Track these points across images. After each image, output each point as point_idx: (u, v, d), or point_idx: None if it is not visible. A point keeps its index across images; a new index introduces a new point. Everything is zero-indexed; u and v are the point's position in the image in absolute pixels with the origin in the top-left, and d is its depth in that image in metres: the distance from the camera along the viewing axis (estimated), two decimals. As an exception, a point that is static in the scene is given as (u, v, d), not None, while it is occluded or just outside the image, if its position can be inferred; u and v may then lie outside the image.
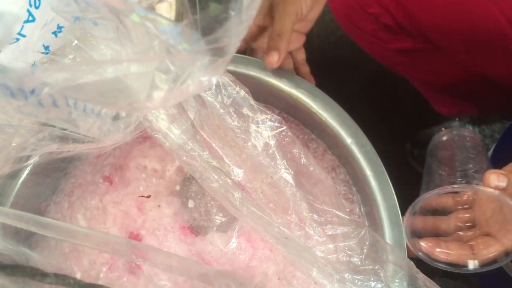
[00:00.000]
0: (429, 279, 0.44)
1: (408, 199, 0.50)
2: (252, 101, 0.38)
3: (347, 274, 0.40)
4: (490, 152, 0.95)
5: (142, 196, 0.52)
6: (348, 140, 0.51)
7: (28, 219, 0.32)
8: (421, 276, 0.45)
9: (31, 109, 0.26)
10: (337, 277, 0.40)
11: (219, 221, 0.47)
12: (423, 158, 1.16)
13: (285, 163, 0.38)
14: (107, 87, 0.28)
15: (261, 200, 0.39)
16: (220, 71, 0.27)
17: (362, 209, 0.53)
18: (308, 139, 0.57)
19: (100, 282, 0.48)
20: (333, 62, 1.34)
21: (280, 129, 0.38)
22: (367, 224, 0.52)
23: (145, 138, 0.55)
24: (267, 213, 0.38)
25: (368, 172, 0.50)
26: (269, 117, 0.38)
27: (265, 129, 0.38)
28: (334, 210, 0.39)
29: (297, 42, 0.72)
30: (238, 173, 0.39)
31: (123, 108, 0.32)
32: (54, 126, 0.34)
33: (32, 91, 0.25)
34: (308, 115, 0.52)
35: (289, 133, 0.38)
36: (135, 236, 0.54)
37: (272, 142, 0.38)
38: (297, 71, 0.71)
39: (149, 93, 0.29)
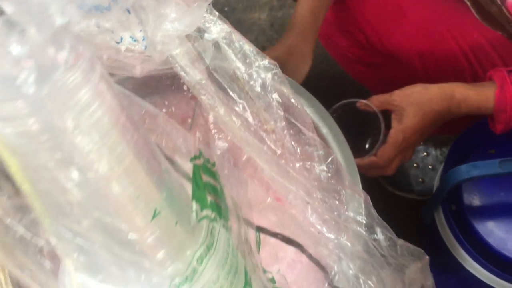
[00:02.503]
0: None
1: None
2: (254, 50, 0.51)
3: (317, 193, 0.52)
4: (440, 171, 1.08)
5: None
6: (324, 130, 0.65)
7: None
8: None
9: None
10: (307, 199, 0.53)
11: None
12: (395, 177, 1.32)
13: (277, 96, 0.51)
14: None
15: (256, 125, 0.51)
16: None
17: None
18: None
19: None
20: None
21: (275, 71, 0.51)
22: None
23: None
24: (259, 135, 0.51)
25: (340, 159, 0.64)
26: (267, 61, 0.51)
27: (264, 70, 0.51)
28: (312, 135, 0.52)
29: None
30: (242, 103, 0.52)
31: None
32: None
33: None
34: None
35: (281, 74, 0.52)
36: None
37: (268, 81, 0.51)
38: None
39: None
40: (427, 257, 0.63)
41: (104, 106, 0.29)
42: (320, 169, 0.52)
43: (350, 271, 0.59)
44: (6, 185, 0.36)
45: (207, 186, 0.37)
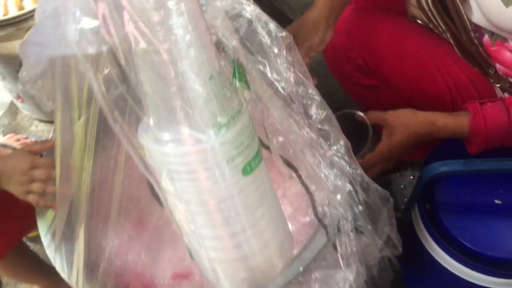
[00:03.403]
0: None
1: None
2: (276, 25, 0.73)
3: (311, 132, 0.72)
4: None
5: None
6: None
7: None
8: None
9: None
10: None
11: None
12: None
13: (290, 58, 0.72)
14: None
15: (272, 77, 0.72)
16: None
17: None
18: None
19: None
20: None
21: (289, 40, 0.73)
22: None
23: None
24: (275, 86, 0.71)
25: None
26: (284, 33, 0.73)
27: (282, 40, 0.72)
28: (312, 90, 0.72)
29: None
30: (264, 62, 0.73)
31: None
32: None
33: None
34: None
35: (293, 42, 0.73)
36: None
37: (284, 48, 0.72)
38: None
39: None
40: (392, 200, 0.82)
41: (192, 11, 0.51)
42: (315, 112, 0.72)
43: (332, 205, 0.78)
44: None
45: (242, 76, 0.57)
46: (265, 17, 0.74)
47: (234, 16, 0.76)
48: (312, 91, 0.73)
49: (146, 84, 0.51)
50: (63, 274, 0.88)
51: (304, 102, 0.74)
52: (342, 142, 0.75)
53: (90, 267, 0.89)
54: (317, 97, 0.73)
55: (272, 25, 0.74)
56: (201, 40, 0.50)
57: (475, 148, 1.09)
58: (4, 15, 1.48)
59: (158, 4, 0.46)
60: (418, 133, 1.12)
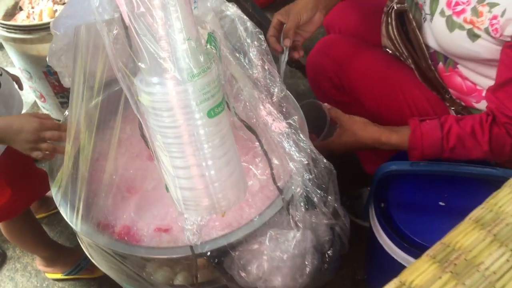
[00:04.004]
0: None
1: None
2: (252, 24, 0.94)
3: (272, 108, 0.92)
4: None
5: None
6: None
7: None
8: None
9: None
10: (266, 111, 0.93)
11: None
12: (354, 207, 1.71)
13: (260, 49, 0.94)
14: None
15: (247, 64, 0.93)
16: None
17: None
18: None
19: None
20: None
21: (261, 36, 0.94)
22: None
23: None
24: (248, 72, 0.92)
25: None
26: (258, 30, 0.94)
27: (255, 34, 0.94)
28: (276, 78, 0.93)
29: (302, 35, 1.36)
30: (240, 51, 0.94)
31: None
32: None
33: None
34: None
35: (264, 38, 0.95)
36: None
37: (257, 41, 0.94)
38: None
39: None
40: (335, 172, 1.01)
41: None
42: (276, 92, 0.93)
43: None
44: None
45: (213, 43, 0.79)
46: (244, 17, 0.96)
47: (220, 15, 0.98)
48: (276, 76, 0.94)
49: (142, 39, 0.72)
50: (65, 216, 1.07)
51: (268, 84, 0.94)
52: (295, 118, 0.95)
53: (86, 216, 1.08)
54: (279, 81, 0.94)
55: (249, 23, 0.96)
56: (183, 12, 0.72)
57: (414, 160, 1.27)
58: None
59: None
60: (363, 143, 1.33)
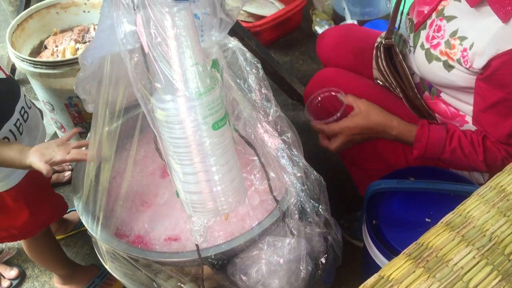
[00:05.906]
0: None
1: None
2: (251, 55, 1.10)
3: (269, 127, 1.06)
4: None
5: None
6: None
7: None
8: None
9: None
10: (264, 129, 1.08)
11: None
12: (351, 230, 1.84)
13: (258, 75, 1.08)
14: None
15: (246, 88, 1.08)
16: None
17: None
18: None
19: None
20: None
21: (259, 65, 1.10)
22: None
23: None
24: (247, 95, 1.07)
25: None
26: (256, 59, 1.10)
27: (254, 63, 1.09)
28: (273, 101, 1.08)
29: None
30: (241, 77, 1.09)
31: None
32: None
33: None
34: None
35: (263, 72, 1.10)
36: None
37: (255, 69, 1.09)
38: None
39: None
40: (325, 183, 1.14)
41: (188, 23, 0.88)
42: (272, 112, 1.08)
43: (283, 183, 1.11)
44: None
45: (217, 67, 0.94)
46: (244, 49, 1.11)
47: (224, 48, 1.13)
48: (271, 99, 1.09)
49: (159, 64, 0.87)
50: (87, 224, 1.20)
51: (265, 105, 1.09)
52: (289, 135, 1.09)
53: (105, 225, 1.21)
54: (274, 103, 1.09)
55: (248, 54, 1.11)
56: (192, 42, 0.87)
57: (416, 152, 1.39)
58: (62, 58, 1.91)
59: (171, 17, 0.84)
60: (375, 124, 1.45)
